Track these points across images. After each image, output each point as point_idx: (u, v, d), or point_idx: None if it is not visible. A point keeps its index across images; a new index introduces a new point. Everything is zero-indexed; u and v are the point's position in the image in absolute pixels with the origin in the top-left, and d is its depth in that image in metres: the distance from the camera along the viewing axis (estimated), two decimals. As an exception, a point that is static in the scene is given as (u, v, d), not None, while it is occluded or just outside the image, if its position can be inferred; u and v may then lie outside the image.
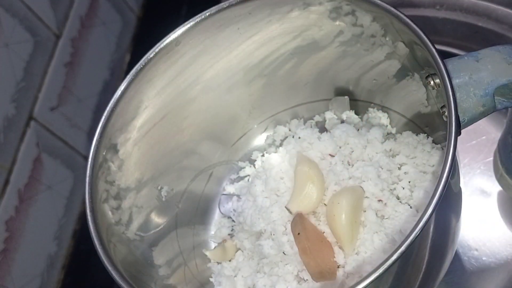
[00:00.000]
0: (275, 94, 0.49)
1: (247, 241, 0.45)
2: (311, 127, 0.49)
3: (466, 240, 0.48)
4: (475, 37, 0.55)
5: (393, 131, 0.47)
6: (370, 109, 0.48)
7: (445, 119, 0.35)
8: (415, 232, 0.31)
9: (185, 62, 0.43)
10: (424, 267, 0.38)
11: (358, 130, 0.46)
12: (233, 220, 0.50)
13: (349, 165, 0.44)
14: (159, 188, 0.46)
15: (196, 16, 0.42)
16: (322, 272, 0.40)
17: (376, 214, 0.41)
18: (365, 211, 0.41)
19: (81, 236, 0.60)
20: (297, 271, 0.42)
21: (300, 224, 0.42)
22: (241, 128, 0.51)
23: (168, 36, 0.42)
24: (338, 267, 0.41)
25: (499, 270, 0.47)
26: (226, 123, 0.50)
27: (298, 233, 0.41)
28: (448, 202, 0.38)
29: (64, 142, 0.59)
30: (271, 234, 0.43)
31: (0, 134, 0.50)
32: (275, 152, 0.49)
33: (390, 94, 0.46)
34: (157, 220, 0.46)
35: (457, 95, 0.35)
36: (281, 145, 0.50)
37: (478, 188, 0.50)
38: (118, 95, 0.41)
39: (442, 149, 0.42)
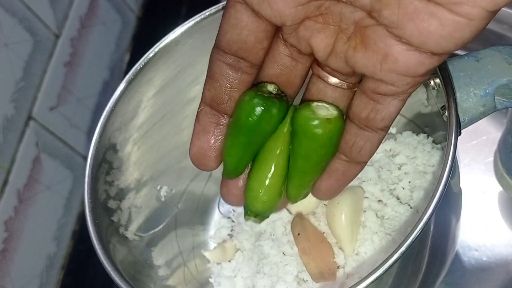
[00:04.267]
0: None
1: (247, 242, 0.45)
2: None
3: (466, 241, 0.48)
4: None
5: (393, 131, 0.47)
6: (370, 109, 0.48)
7: (445, 119, 0.34)
8: (415, 233, 0.30)
9: (185, 62, 0.43)
10: (424, 267, 0.38)
11: (358, 130, 0.46)
12: (232, 221, 0.50)
13: (349, 165, 0.44)
14: (158, 188, 0.46)
15: (196, 16, 0.42)
16: (322, 273, 0.40)
17: (376, 214, 0.41)
18: (365, 212, 0.41)
19: (81, 237, 0.60)
20: (297, 272, 0.42)
21: (300, 225, 0.42)
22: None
23: (167, 36, 0.42)
24: (338, 267, 0.41)
25: (499, 270, 0.47)
26: (226, 123, 0.50)
27: (298, 234, 0.41)
28: (448, 203, 0.38)
29: (64, 142, 0.59)
30: (271, 235, 0.43)
31: (-1, 134, 0.50)
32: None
33: (390, 94, 0.46)
34: (157, 220, 0.46)
35: (457, 95, 0.35)
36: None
37: (478, 188, 0.50)
38: (117, 95, 0.41)
39: (442, 149, 0.42)
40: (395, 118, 0.29)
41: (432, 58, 0.26)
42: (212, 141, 0.31)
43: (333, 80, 0.30)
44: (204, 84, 0.30)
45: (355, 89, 0.30)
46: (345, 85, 0.30)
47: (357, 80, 0.30)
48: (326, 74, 0.30)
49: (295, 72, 0.30)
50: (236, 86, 0.29)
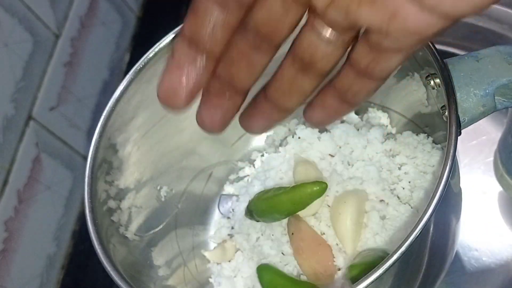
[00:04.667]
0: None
1: (247, 242, 0.45)
2: (311, 127, 0.49)
3: (466, 241, 0.48)
4: (475, 37, 0.55)
5: (393, 131, 0.47)
6: (370, 109, 0.48)
7: (445, 119, 0.34)
8: (415, 233, 0.30)
9: (185, 62, 0.43)
10: (424, 267, 0.38)
11: (358, 130, 0.46)
12: (232, 221, 0.50)
13: (349, 165, 0.44)
14: (158, 188, 0.46)
15: (196, 16, 0.41)
16: (316, 274, 0.40)
17: (378, 215, 0.41)
18: (367, 212, 0.41)
19: (81, 237, 0.60)
20: (297, 272, 0.42)
21: (294, 225, 0.42)
22: (241, 128, 0.51)
23: (167, 36, 0.42)
24: (339, 269, 0.40)
25: (499, 270, 0.47)
26: (226, 123, 0.50)
27: (292, 233, 0.41)
28: (448, 203, 0.38)
29: (64, 142, 0.59)
30: (270, 235, 0.43)
31: (-1, 134, 0.50)
32: (275, 152, 0.49)
33: (390, 94, 0.46)
34: (157, 220, 0.46)
35: (457, 95, 0.35)
36: (280, 145, 0.50)
37: (479, 188, 0.50)
38: (117, 95, 0.41)
39: (442, 149, 0.42)
40: (394, 70, 0.28)
41: (444, 20, 0.24)
42: (184, 79, 0.27)
43: (328, 33, 0.27)
44: (186, 18, 0.27)
45: (349, 48, 0.28)
46: (339, 42, 0.28)
47: (352, 36, 0.28)
48: (321, 25, 0.27)
49: (285, 21, 0.27)
50: (219, 26, 0.27)
